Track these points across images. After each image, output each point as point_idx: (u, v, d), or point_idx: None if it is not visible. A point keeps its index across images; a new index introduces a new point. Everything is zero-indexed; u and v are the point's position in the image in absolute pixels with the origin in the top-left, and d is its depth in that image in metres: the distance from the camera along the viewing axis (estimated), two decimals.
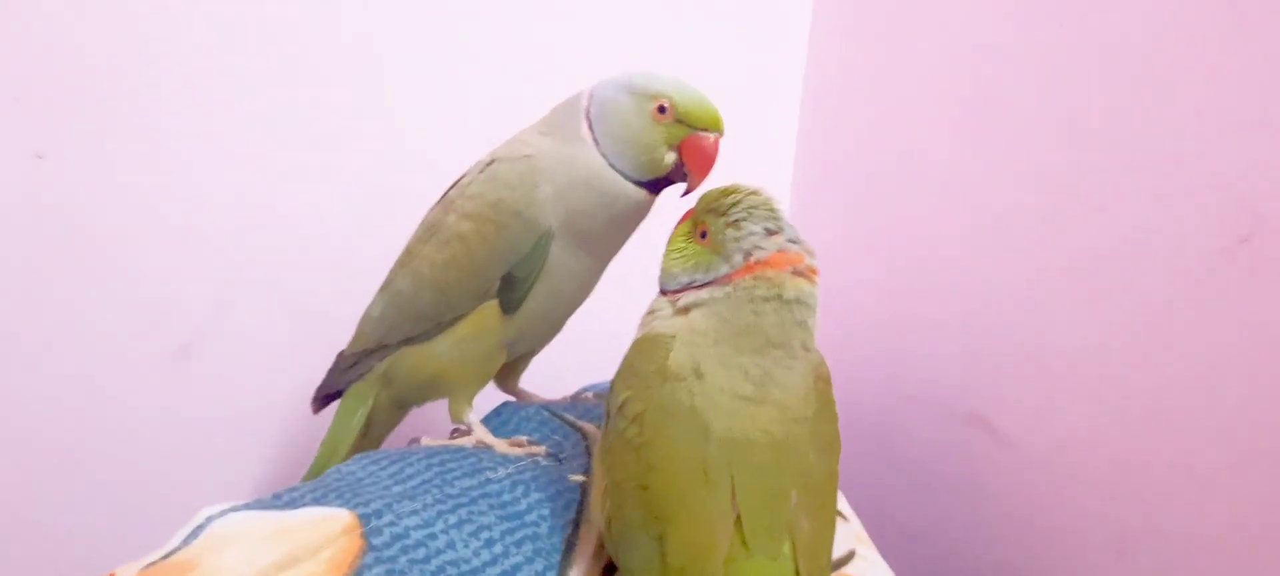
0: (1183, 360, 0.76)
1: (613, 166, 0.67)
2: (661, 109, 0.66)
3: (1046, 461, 0.86)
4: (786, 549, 0.53)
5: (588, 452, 0.72)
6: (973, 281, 0.94)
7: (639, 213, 0.70)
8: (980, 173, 0.94)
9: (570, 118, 0.69)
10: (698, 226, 0.62)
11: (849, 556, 0.71)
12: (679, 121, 0.66)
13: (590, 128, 0.68)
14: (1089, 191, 0.83)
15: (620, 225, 0.70)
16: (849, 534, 0.72)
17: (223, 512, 0.58)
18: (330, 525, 0.57)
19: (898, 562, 0.74)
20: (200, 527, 0.57)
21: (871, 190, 1.10)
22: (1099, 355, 0.82)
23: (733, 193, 0.61)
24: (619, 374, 0.60)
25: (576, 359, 0.88)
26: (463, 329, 0.71)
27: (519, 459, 0.68)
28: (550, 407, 0.78)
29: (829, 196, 1.17)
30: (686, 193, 0.70)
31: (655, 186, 0.69)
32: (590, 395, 0.81)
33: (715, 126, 0.67)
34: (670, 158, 0.67)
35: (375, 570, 0.55)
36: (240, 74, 0.86)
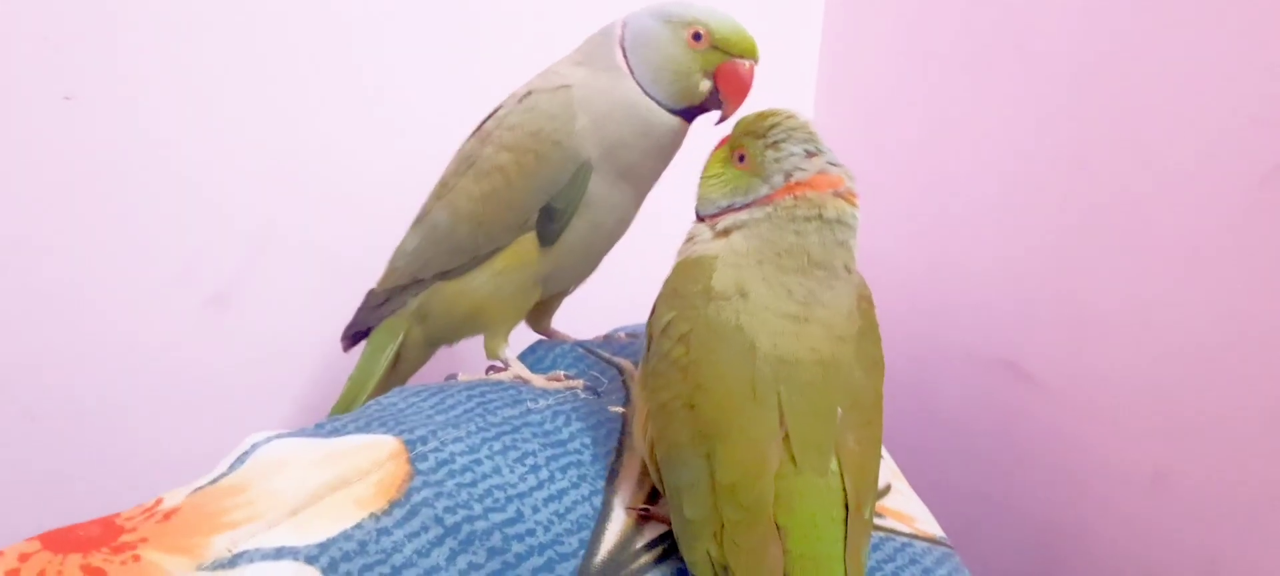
0: (1217, 297, 0.76)
1: (648, 94, 0.67)
2: (697, 36, 0.66)
3: (1079, 405, 0.86)
4: (834, 465, 0.53)
5: (624, 387, 0.72)
6: (1003, 225, 0.94)
7: (674, 141, 0.70)
8: (1009, 114, 0.94)
9: (604, 48, 0.69)
10: (736, 150, 0.61)
11: (886, 489, 0.72)
12: (714, 48, 0.67)
13: (625, 56, 0.68)
14: (1116, 128, 0.82)
15: (656, 155, 0.70)
16: (885, 469, 0.72)
17: (268, 439, 0.58)
18: (377, 450, 0.57)
19: (935, 510, 0.74)
20: (246, 454, 0.58)
21: (897, 135, 1.10)
22: (1132, 296, 0.82)
23: (772, 115, 0.61)
24: (661, 296, 0.60)
25: (605, 302, 0.88)
26: (500, 262, 0.71)
27: (558, 392, 0.68)
28: (585, 344, 0.78)
29: (853, 142, 1.16)
30: (721, 120, 0.70)
31: (689, 115, 0.69)
32: (623, 334, 0.81)
33: (750, 53, 0.68)
34: (705, 84, 0.68)
35: (423, 493, 0.55)
36: (270, 19, 0.86)
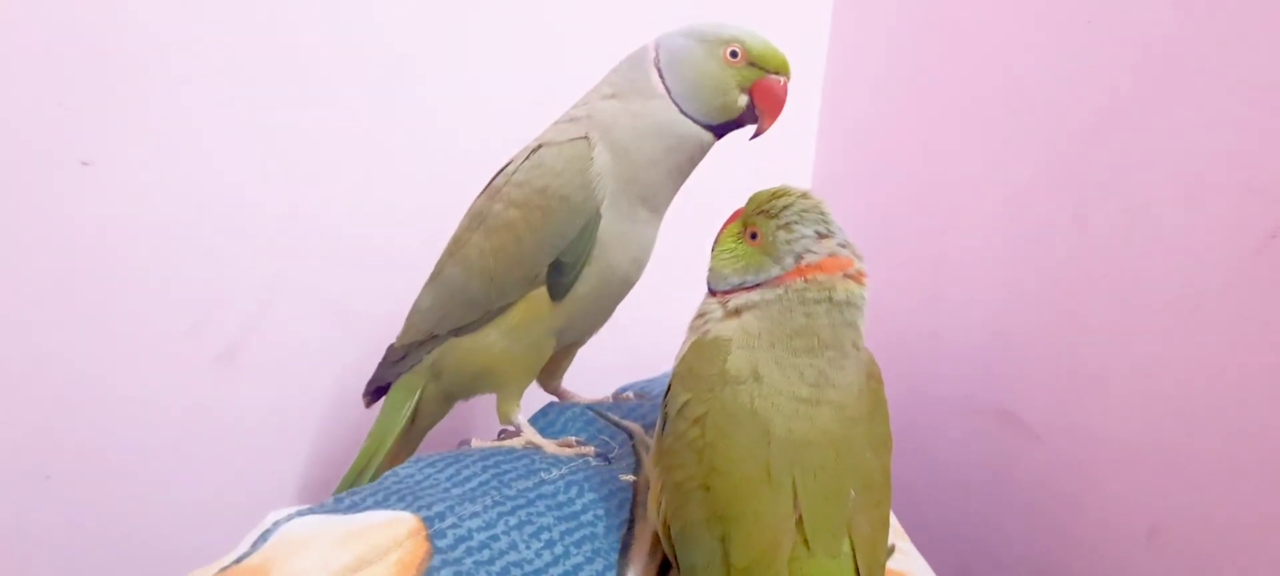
0: (1212, 356, 0.77)
1: (684, 113, 0.69)
2: (733, 53, 0.69)
3: (1076, 457, 0.87)
4: (846, 547, 0.55)
5: (635, 452, 0.73)
6: (1001, 279, 0.95)
7: (701, 156, 0.72)
8: (1007, 170, 0.95)
9: (639, 73, 0.71)
10: (748, 228, 0.63)
11: (890, 550, 0.73)
12: (751, 65, 0.69)
13: (661, 78, 0.70)
14: (1117, 188, 0.84)
15: (682, 171, 0.72)
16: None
17: (289, 517, 0.59)
18: (396, 528, 0.58)
19: (930, 558, 0.75)
20: (268, 532, 0.58)
21: (895, 184, 1.11)
22: (1127, 348, 0.83)
23: (784, 194, 0.62)
24: (677, 376, 0.61)
25: (614, 358, 0.89)
26: (512, 317, 0.72)
27: (570, 460, 0.70)
28: (594, 407, 0.79)
29: (851, 189, 1.18)
30: (757, 134, 0.72)
31: (721, 130, 0.71)
32: (630, 395, 0.82)
33: (784, 69, 0.70)
34: (743, 100, 0.70)
35: (443, 572, 0.56)
36: (279, 78, 0.87)
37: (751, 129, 0.72)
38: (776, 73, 0.70)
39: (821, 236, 0.60)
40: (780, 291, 0.59)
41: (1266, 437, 0.73)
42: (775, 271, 0.60)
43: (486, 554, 0.58)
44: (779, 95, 0.70)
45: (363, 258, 0.93)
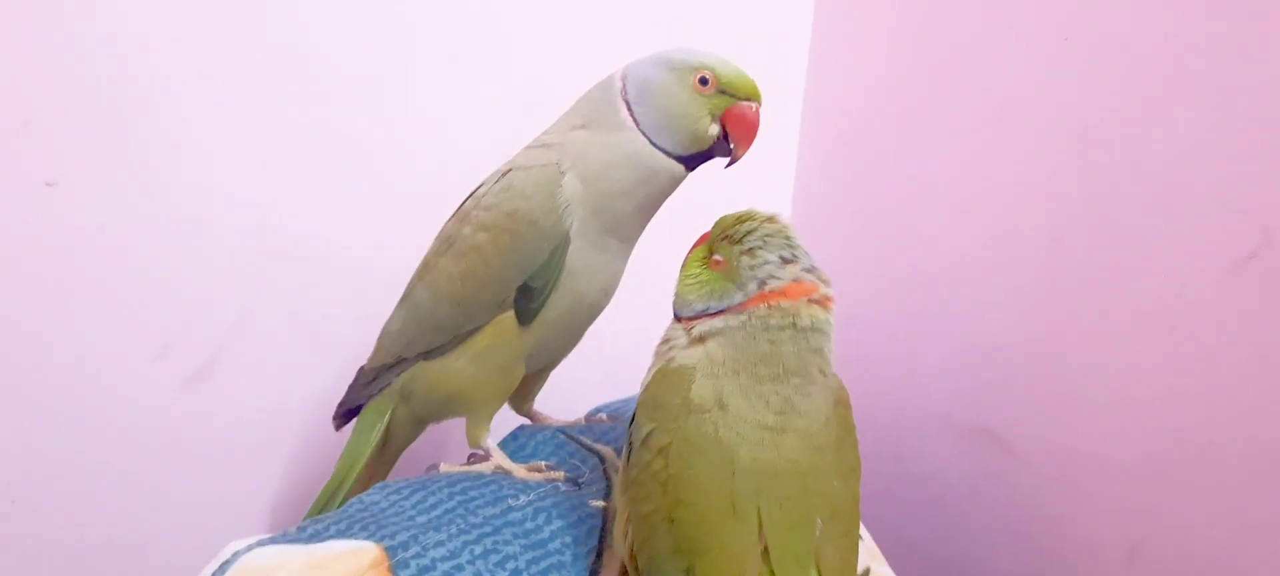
0: (1192, 374, 0.76)
1: (654, 144, 0.68)
2: (703, 80, 0.67)
3: (1054, 473, 0.87)
4: None
5: (606, 476, 0.72)
6: (979, 294, 0.95)
7: (672, 187, 0.70)
8: (985, 185, 0.95)
9: (606, 104, 0.69)
10: (712, 253, 0.62)
11: (865, 573, 0.72)
12: (722, 92, 0.67)
13: (629, 109, 0.68)
14: (1097, 205, 0.83)
15: (652, 202, 0.70)
16: (863, 551, 0.73)
17: (249, 547, 0.58)
18: (359, 558, 0.57)
19: (906, 572, 0.74)
20: (228, 562, 0.58)
21: (875, 203, 1.11)
22: (1107, 368, 0.82)
23: (748, 219, 0.61)
24: (641, 405, 0.60)
25: (588, 377, 0.89)
26: (480, 342, 0.71)
27: (539, 485, 0.69)
28: (566, 430, 0.78)
29: (831, 209, 1.17)
30: (730, 163, 0.71)
31: (692, 162, 0.70)
32: (603, 416, 0.82)
33: (755, 96, 0.68)
34: (714, 129, 0.68)
35: None
36: (252, 92, 0.86)
37: (726, 160, 0.71)
38: (748, 99, 0.68)
39: (786, 261, 0.59)
40: (744, 318, 0.58)
41: (1247, 455, 0.73)
42: (738, 298, 0.59)
43: None
44: (752, 122, 0.68)
45: (337, 276, 0.92)
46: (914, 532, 1.00)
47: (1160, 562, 0.79)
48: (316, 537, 0.60)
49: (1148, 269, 0.79)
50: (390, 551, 0.58)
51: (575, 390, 0.88)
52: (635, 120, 0.68)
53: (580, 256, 0.69)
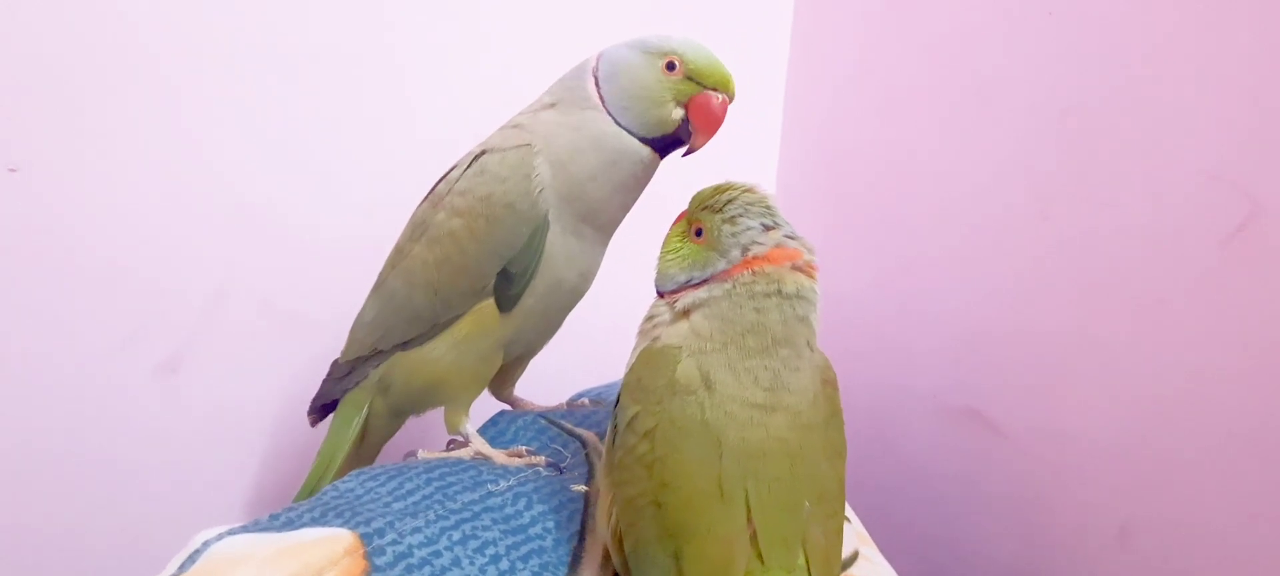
0: (1180, 350, 0.76)
1: (619, 124, 0.67)
2: (671, 65, 0.66)
3: (1043, 454, 0.86)
4: (801, 560, 0.53)
5: (587, 460, 0.71)
6: (966, 275, 0.94)
7: (644, 173, 0.69)
8: (971, 165, 0.94)
9: (577, 83, 0.68)
10: (692, 225, 0.61)
11: (853, 557, 0.71)
12: (688, 78, 0.66)
13: (598, 87, 0.67)
14: (1082, 182, 0.83)
15: (624, 188, 0.69)
16: (851, 535, 0.72)
17: (220, 536, 0.56)
18: (333, 545, 0.55)
19: (897, 560, 0.74)
20: (197, 552, 0.56)
21: (860, 185, 1.10)
22: (1095, 347, 0.82)
23: (728, 189, 0.60)
24: (626, 387, 0.59)
25: (570, 362, 0.87)
26: (460, 330, 0.69)
27: (520, 470, 0.67)
28: (547, 415, 0.76)
29: (816, 191, 1.16)
30: (688, 152, 0.69)
31: (661, 148, 0.68)
32: (585, 401, 0.80)
33: (724, 87, 0.67)
34: (677, 114, 0.67)
35: None
36: (222, 78, 0.84)
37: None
38: (716, 89, 0.67)
39: (768, 227, 0.58)
40: (728, 286, 0.57)
41: (1237, 434, 0.73)
42: (722, 265, 0.58)
43: (428, 571, 0.56)
44: (714, 112, 0.67)
45: (310, 263, 0.90)
46: (904, 515, 0.99)
47: (1150, 541, 0.78)
48: (289, 526, 0.58)
49: (1135, 245, 0.79)
50: (365, 538, 0.56)
51: (556, 377, 0.86)
52: (602, 99, 0.67)
53: (557, 241, 0.68)
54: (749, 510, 0.52)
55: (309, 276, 0.90)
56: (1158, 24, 0.77)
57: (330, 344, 0.78)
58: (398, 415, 0.76)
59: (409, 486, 0.63)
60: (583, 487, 0.67)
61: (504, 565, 0.58)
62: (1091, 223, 0.82)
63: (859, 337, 1.05)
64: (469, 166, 0.69)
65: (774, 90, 1.18)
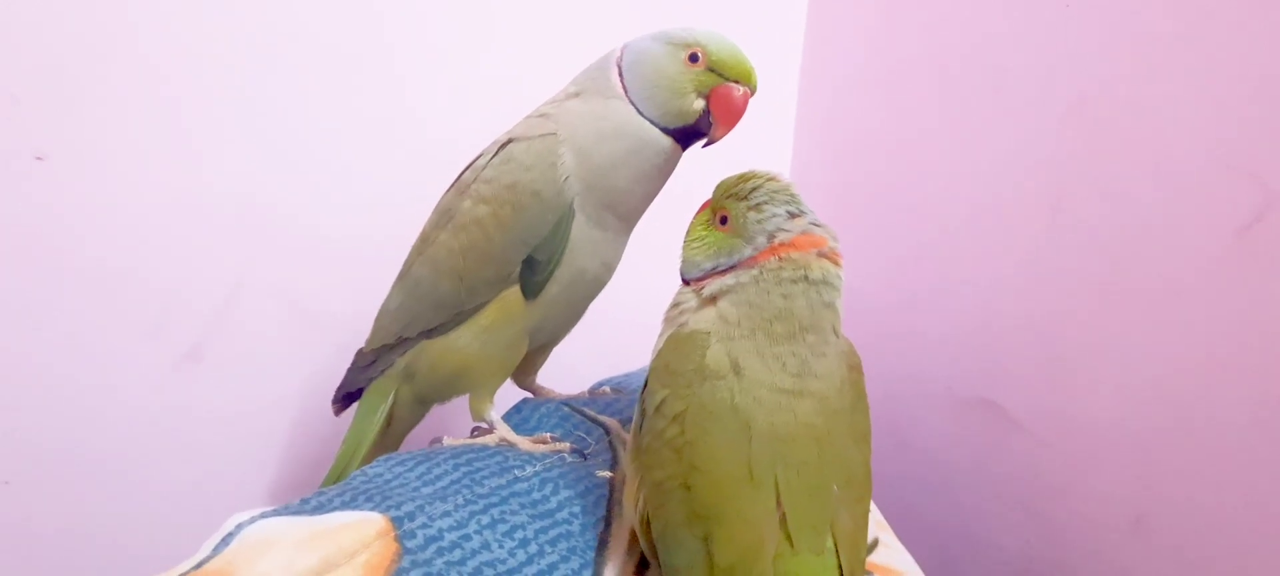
0: (1195, 342, 0.76)
1: (641, 114, 0.67)
2: (694, 56, 0.67)
3: (1057, 443, 0.86)
4: (829, 543, 0.53)
5: (611, 447, 0.71)
6: (979, 265, 0.94)
7: (667, 163, 0.69)
8: (984, 156, 0.94)
9: (601, 73, 0.69)
10: (717, 212, 0.61)
11: (873, 544, 0.72)
12: (710, 70, 0.67)
13: (621, 77, 0.68)
14: (1095, 172, 0.83)
15: (647, 177, 0.69)
16: (871, 522, 0.72)
17: (253, 519, 0.57)
18: (364, 529, 0.56)
19: (911, 549, 0.74)
20: (231, 535, 0.56)
21: (873, 176, 1.10)
22: (1109, 336, 0.82)
23: (752, 177, 0.61)
24: (654, 372, 0.59)
25: (591, 352, 0.88)
26: (485, 318, 0.70)
27: (545, 456, 0.68)
28: (570, 403, 0.77)
29: (829, 182, 1.17)
30: (708, 143, 0.70)
31: (683, 139, 0.69)
32: (607, 390, 0.81)
33: (746, 79, 0.68)
34: (698, 104, 0.67)
35: (413, 573, 0.54)
36: (244, 71, 0.84)
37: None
38: (737, 81, 0.67)
39: (793, 215, 0.58)
40: (755, 272, 0.57)
41: (1252, 424, 0.73)
42: (748, 252, 0.58)
43: (458, 554, 0.56)
44: (736, 104, 0.68)
45: (332, 253, 0.90)
46: (917, 505, 0.99)
47: (1165, 532, 0.78)
48: (320, 509, 0.58)
49: (1149, 235, 0.79)
50: (396, 521, 0.57)
51: (578, 366, 0.87)
52: (625, 89, 0.68)
53: (582, 230, 0.68)
54: (778, 494, 0.52)
55: (331, 267, 0.90)
56: (1172, 13, 0.77)
57: (351, 333, 0.78)
58: (422, 403, 0.76)
59: (437, 471, 0.64)
60: (608, 473, 0.68)
61: (532, 548, 0.59)
62: (1105, 212, 0.82)
63: (872, 327, 1.06)
64: (495, 154, 0.69)
65: (788, 82, 1.19)
